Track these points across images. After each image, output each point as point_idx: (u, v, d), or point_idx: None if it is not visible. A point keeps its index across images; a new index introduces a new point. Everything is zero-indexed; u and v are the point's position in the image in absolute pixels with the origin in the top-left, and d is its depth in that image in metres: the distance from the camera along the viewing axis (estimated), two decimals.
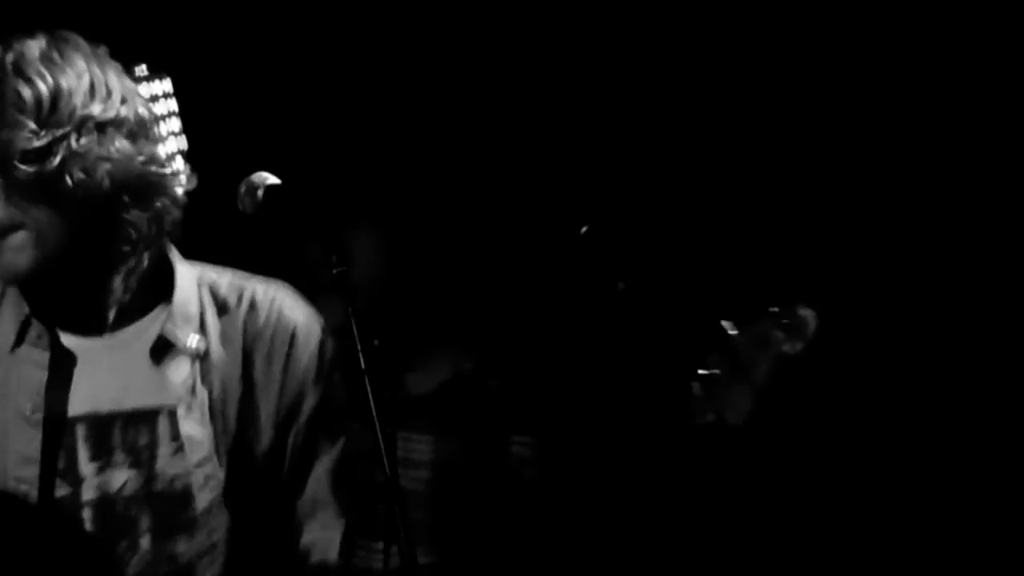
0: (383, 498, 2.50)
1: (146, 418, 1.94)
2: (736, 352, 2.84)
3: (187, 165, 2.26)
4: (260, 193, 2.29)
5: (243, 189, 2.32)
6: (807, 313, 2.88)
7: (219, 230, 3.92)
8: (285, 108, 3.98)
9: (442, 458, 2.59)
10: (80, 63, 1.97)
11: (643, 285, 3.53)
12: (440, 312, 2.66)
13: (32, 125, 1.87)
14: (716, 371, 2.90)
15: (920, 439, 3.89)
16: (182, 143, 4.23)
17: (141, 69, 4.29)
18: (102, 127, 1.93)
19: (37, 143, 1.87)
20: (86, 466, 1.89)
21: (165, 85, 4.24)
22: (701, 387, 2.91)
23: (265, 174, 2.34)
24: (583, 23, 4.06)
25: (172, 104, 4.23)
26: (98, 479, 1.90)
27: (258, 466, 1.98)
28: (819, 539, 3.72)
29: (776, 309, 2.96)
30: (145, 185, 2.00)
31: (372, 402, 1.96)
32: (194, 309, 2.03)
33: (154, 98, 4.26)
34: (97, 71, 1.98)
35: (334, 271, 2.12)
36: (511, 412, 2.65)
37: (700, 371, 2.91)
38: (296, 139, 3.84)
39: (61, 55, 1.97)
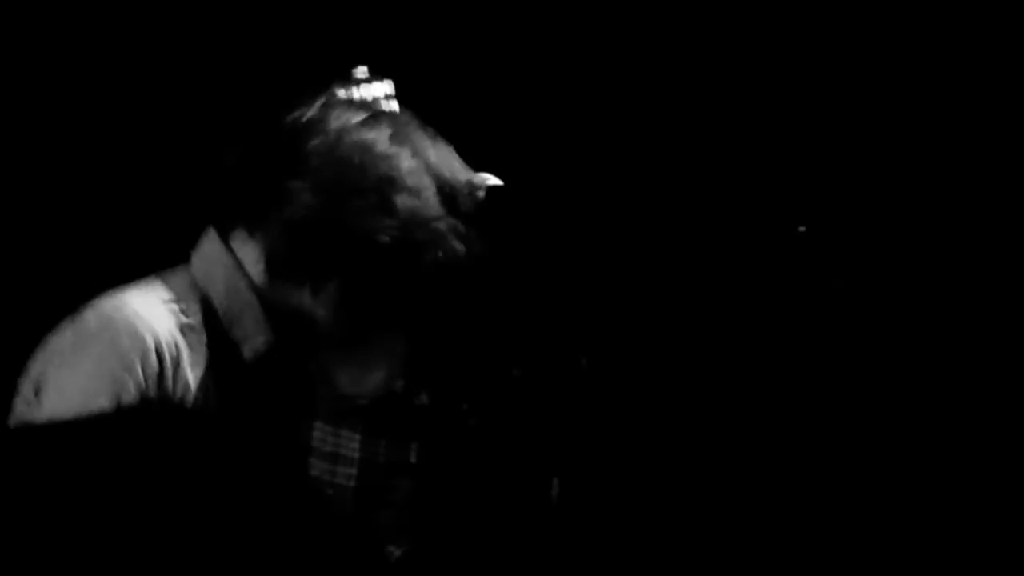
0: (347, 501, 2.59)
1: None
2: None
3: None
4: (481, 194, 2.33)
5: (464, 190, 2.36)
6: None
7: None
8: (509, 109, 4.02)
9: (369, 457, 2.57)
10: None
11: (863, 286, 3.49)
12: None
13: None
14: None
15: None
16: None
17: (362, 71, 4.38)
18: None
19: None
20: None
21: (387, 87, 4.30)
22: None
23: (487, 175, 2.37)
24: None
25: (394, 106, 4.29)
26: None
27: None
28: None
29: None
30: None
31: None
32: None
33: (375, 100, 4.33)
34: None
35: (553, 271, 2.15)
36: (438, 426, 2.62)
37: None
38: (520, 140, 3.87)
39: None
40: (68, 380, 1.95)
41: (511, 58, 4.05)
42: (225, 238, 2.10)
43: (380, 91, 4.37)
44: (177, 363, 2.00)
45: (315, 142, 2.07)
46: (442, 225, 2.17)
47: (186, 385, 2.00)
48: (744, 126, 3.95)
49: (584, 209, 3.45)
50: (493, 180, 2.36)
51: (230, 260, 2.08)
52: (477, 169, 2.41)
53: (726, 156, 3.95)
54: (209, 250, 2.11)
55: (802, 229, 3.17)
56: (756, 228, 3.75)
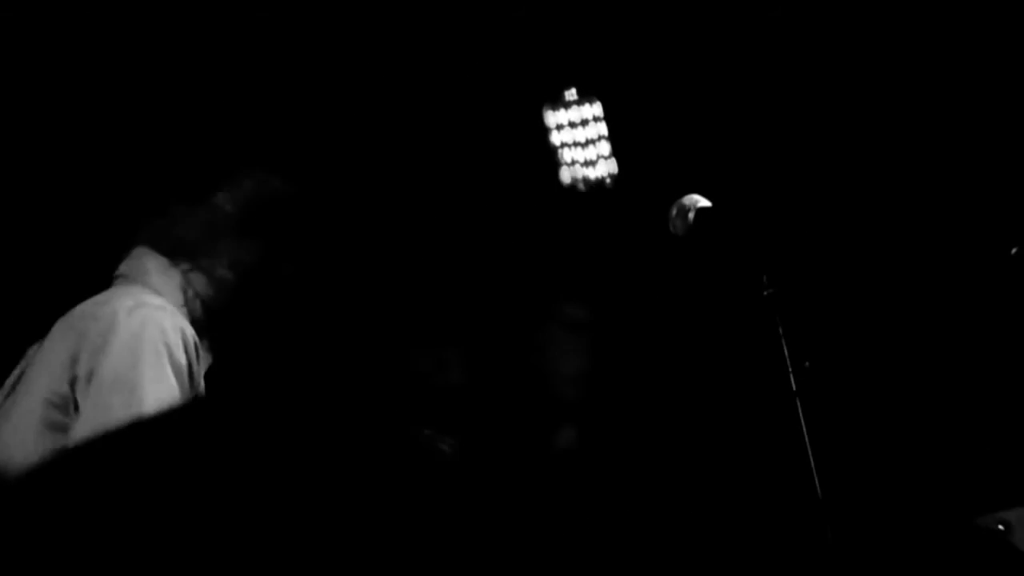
0: None
1: None
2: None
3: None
4: (691, 216, 2.36)
5: (674, 212, 2.39)
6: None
7: (646, 250, 4.03)
8: (717, 131, 4.04)
9: None
10: None
11: None
12: None
13: None
14: None
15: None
16: (612, 166, 4.35)
17: (571, 93, 4.44)
18: None
19: None
20: None
21: (595, 108, 4.35)
22: None
23: (696, 196, 2.40)
24: None
25: (602, 127, 4.34)
26: None
27: None
28: None
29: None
30: None
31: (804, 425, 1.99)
32: None
33: (584, 121, 4.39)
34: None
35: (764, 293, 2.17)
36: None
37: None
38: (725, 162, 3.89)
39: None
40: (155, 371, 2.17)
41: (722, 85, 4.08)
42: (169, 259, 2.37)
43: (589, 112, 4.44)
44: (197, 352, 2.26)
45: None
46: None
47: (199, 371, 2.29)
48: (961, 149, 3.92)
49: (794, 229, 3.45)
50: (703, 202, 2.38)
51: (180, 279, 2.32)
52: (688, 191, 2.45)
53: (942, 178, 3.92)
54: (157, 268, 2.35)
55: (1015, 250, 3.14)
56: (971, 248, 3.71)
